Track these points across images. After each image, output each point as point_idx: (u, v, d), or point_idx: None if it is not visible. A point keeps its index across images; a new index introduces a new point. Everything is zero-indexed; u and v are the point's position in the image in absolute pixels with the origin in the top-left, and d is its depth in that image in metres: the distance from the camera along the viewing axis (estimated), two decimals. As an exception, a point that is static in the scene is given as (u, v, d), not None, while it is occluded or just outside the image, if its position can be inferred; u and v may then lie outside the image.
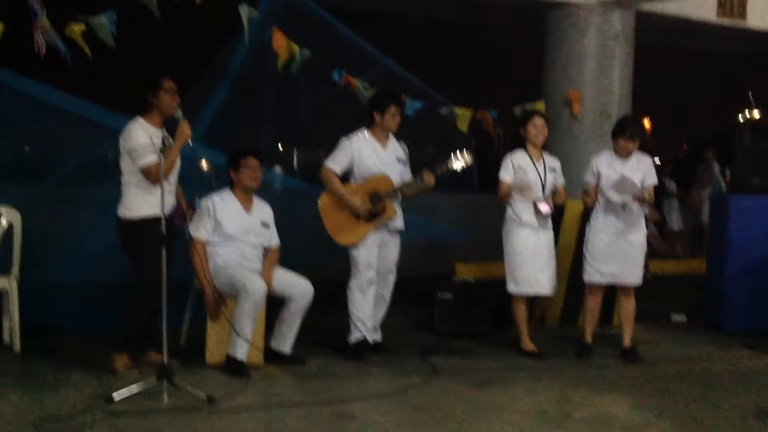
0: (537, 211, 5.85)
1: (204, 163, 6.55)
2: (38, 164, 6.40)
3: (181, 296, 5.74)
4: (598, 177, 5.88)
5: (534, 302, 6.29)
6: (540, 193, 5.89)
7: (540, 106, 7.25)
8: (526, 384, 5.22)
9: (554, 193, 6.00)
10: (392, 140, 5.89)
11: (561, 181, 6.07)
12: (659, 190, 10.78)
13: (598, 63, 7.54)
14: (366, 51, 6.73)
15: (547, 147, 6.10)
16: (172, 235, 5.14)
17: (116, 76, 5.42)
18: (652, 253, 8.81)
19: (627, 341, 5.97)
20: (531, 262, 5.88)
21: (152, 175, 5.06)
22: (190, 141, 5.10)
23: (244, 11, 6.10)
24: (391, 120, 5.78)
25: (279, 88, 6.48)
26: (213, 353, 5.39)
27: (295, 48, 6.23)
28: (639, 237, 5.91)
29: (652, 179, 5.90)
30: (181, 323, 5.81)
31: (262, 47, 6.33)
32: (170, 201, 5.21)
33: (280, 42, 6.23)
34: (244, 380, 5.06)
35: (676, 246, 11.47)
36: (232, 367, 5.21)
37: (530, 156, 5.94)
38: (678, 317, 7.38)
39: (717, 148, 12.36)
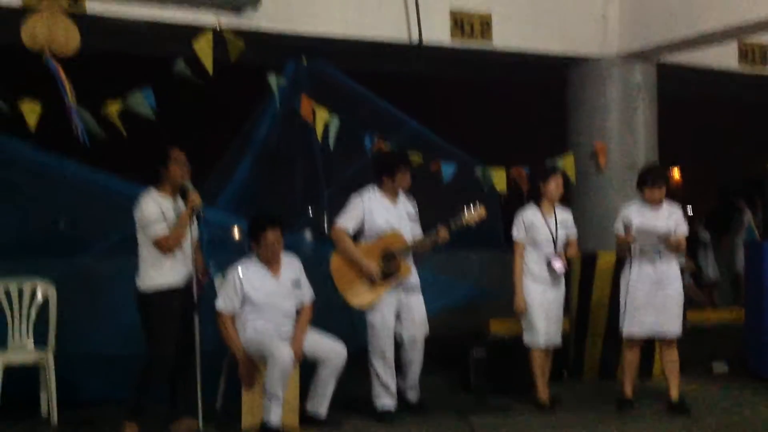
0: (551, 269, 5.84)
1: (236, 231, 6.66)
2: (73, 239, 6.51)
3: (216, 365, 5.75)
4: (630, 226, 5.83)
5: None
6: (551, 248, 5.90)
7: (569, 158, 7.26)
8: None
9: (566, 246, 5.99)
10: (402, 197, 5.90)
11: (573, 232, 6.06)
12: (693, 240, 10.73)
13: (621, 115, 7.56)
14: (392, 114, 6.82)
15: (571, 201, 6.12)
16: (193, 304, 5.22)
17: (148, 151, 5.58)
18: (689, 303, 8.68)
19: (675, 394, 5.82)
20: (543, 315, 5.87)
21: (162, 246, 5.15)
22: (201, 211, 5.19)
23: (273, 80, 6.23)
24: (402, 180, 5.79)
25: (309, 153, 6.56)
26: (248, 419, 5.37)
27: (325, 114, 6.30)
28: (676, 287, 5.83)
29: (683, 228, 5.86)
30: (216, 390, 5.81)
31: (290, 116, 6.44)
32: (187, 271, 5.27)
33: (308, 109, 6.31)
34: None
35: (713, 295, 11.31)
36: None
37: (542, 212, 5.96)
38: (719, 367, 7.23)
39: (748, 195, 12.26)
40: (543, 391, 5.96)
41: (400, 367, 5.86)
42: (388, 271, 5.69)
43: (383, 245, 5.72)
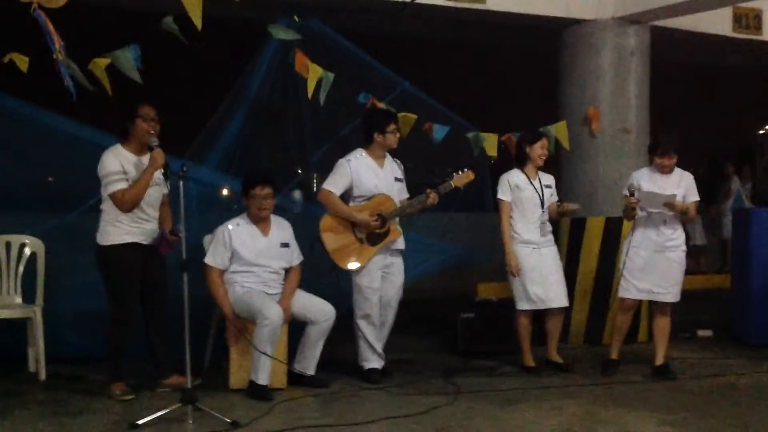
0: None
1: (226, 191, 6.62)
2: (61, 195, 6.46)
3: (204, 323, 5.77)
4: (637, 190, 5.76)
5: (548, 318, 6.19)
6: (540, 210, 5.93)
7: (562, 125, 7.23)
8: (551, 402, 5.16)
9: (560, 207, 6.06)
10: (388, 159, 5.87)
11: (555, 198, 6.12)
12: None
13: (614, 80, 7.52)
14: (384, 75, 6.75)
15: (562, 167, 6.12)
16: (155, 262, 5.26)
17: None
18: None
19: (660, 359, 5.89)
20: (537, 278, 5.88)
21: (119, 202, 5.11)
22: (169, 169, 5.12)
23: (277, 30, 6.11)
24: (392, 138, 5.77)
25: (300, 112, 6.49)
26: (236, 378, 5.39)
27: (319, 70, 6.22)
28: (679, 254, 5.85)
29: (694, 196, 5.86)
30: (204, 349, 5.83)
31: (282, 72, 6.35)
32: (149, 229, 5.26)
33: (302, 64, 6.22)
34: (268, 404, 5.05)
35: (700, 261, 11.40)
36: (256, 391, 5.21)
37: (526, 175, 5.97)
38: (704, 332, 7.31)
39: (737, 162, 12.32)
40: (528, 354, 6.01)
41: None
42: (378, 233, 5.69)
43: (372, 208, 5.70)
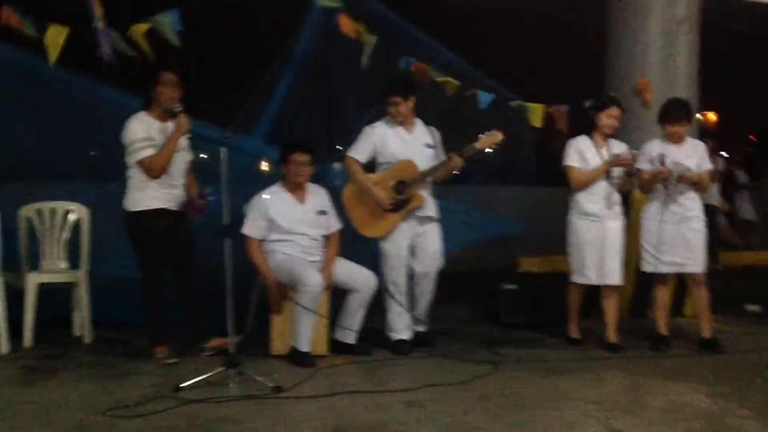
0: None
1: (265, 164, 6.60)
2: (107, 164, 6.50)
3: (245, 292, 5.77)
4: (663, 158, 5.67)
5: (604, 296, 6.05)
6: (605, 181, 5.74)
7: (538, 108, 7.05)
8: (597, 374, 5.08)
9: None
10: (419, 125, 5.76)
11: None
12: (729, 181, 10.54)
13: (663, 50, 7.33)
14: (426, 43, 6.66)
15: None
16: (183, 228, 5.25)
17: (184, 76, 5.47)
18: (723, 245, 8.57)
19: (706, 332, 5.75)
20: (594, 252, 5.73)
21: (147, 169, 5.10)
22: (188, 134, 5.13)
23: None
24: (392, 109, 5.60)
25: (344, 77, 6.43)
26: (277, 344, 5.40)
27: (363, 31, 6.12)
28: (698, 223, 5.71)
29: (707, 165, 5.72)
30: (245, 317, 5.84)
31: (326, 38, 6.29)
32: (176, 194, 5.25)
33: (348, 26, 6.14)
34: (309, 370, 5.04)
35: (749, 236, 11.16)
36: (296, 357, 5.22)
37: (594, 143, 5.80)
38: (753, 307, 7.16)
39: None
40: (575, 325, 5.94)
41: (411, 300, 5.81)
42: (401, 199, 5.62)
43: (395, 174, 5.63)
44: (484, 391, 4.65)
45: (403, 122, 5.67)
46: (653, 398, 4.56)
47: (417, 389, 4.67)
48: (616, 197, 5.80)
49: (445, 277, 5.88)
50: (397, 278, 5.66)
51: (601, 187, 5.73)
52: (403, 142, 5.67)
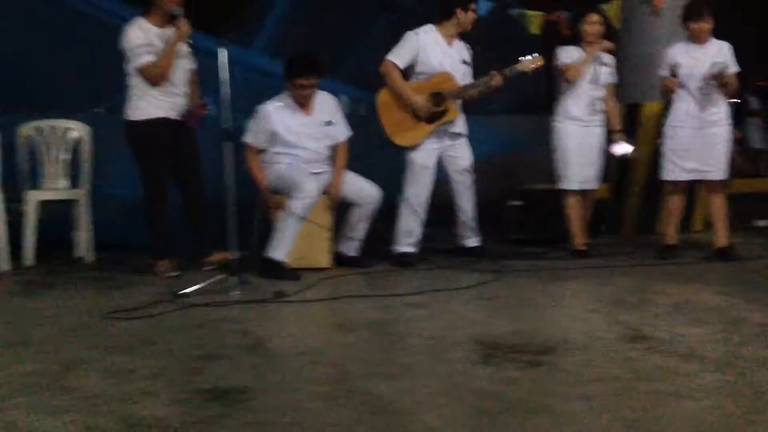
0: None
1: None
2: (109, 83, 6.41)
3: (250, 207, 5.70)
4: (676, 68, 5.57)
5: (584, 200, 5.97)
6: (591, 87, 5.68)
7: (616, 5, 6.88)
8: (603, 278, 5.01)
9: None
10: (457, 41, 5.63)
11: (613, 79, 5.84)
12: (742, 107, 10.33)
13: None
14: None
15: (616, 47, 5.83)
16: (187, 138, 5.14)
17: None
18: (733, 171, 8.37)
19: (722, 240, 5.60)
20: (581, 158, 5.70)
21: (148, 75, 4.99)
22: (189, 39, 5.00)
23: None
24: (473, 16, 5.49)
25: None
26: (281, 257, 5.32)
27: None
28: (722, 129, 5.56)
29: (734, 66, 5.54)
30: (249, 234, 5.78)
31: None
32: (179, 103, 5.14)
33: None
34: (296, 283, 4.84)
35: (759, 164, 11.00)
36: (269, 267, 5.06)
37: (584, 52, 5.71)
38: (762, 222, 7.09)
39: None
40: (578, 237, 5.85)
41: (454, 217, 5.77)
42: (436, 110, 5.50)
43: (433, 85, 5.49)
44: (488, 294, 4.60)
45: (447, 34, 5.53)
46: (660, 297, 4.49)
47: (421, 293, 4.62)
48: (600, 105, 5.76)
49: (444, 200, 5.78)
50: (418, 190, 5.54)
51: (586, 92, 5.69)
52: (445, 54, 5.52)
